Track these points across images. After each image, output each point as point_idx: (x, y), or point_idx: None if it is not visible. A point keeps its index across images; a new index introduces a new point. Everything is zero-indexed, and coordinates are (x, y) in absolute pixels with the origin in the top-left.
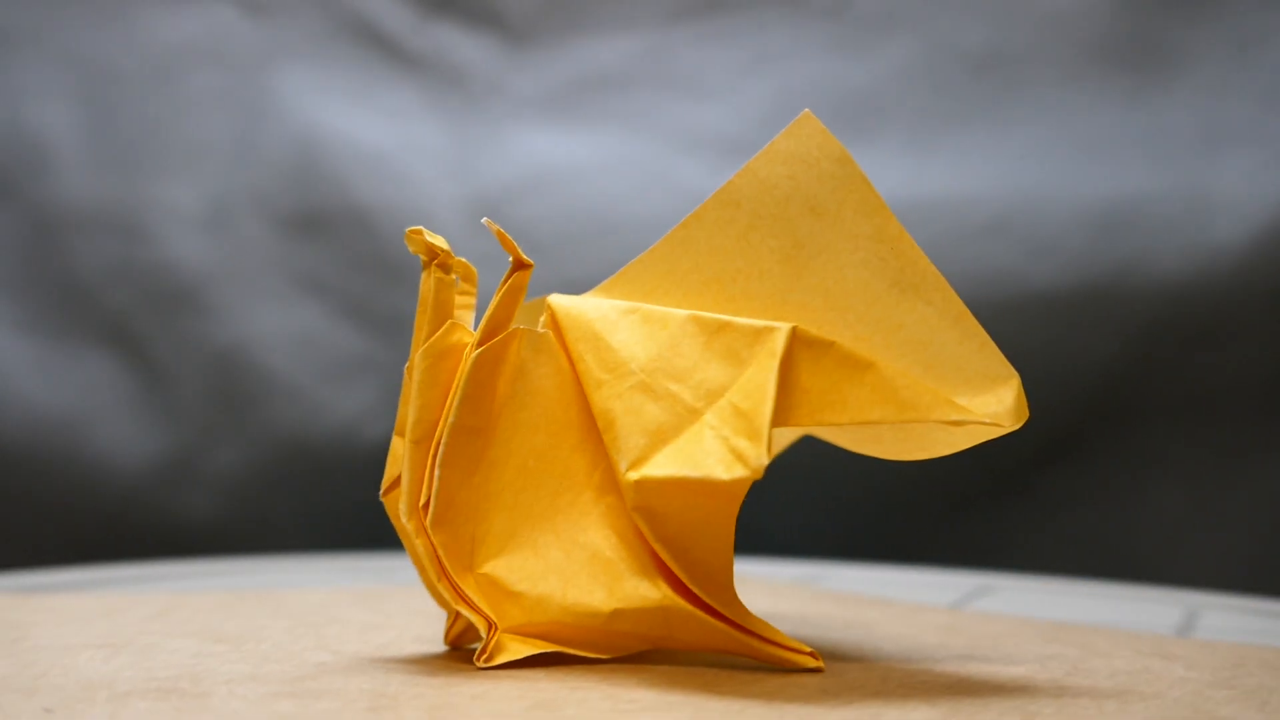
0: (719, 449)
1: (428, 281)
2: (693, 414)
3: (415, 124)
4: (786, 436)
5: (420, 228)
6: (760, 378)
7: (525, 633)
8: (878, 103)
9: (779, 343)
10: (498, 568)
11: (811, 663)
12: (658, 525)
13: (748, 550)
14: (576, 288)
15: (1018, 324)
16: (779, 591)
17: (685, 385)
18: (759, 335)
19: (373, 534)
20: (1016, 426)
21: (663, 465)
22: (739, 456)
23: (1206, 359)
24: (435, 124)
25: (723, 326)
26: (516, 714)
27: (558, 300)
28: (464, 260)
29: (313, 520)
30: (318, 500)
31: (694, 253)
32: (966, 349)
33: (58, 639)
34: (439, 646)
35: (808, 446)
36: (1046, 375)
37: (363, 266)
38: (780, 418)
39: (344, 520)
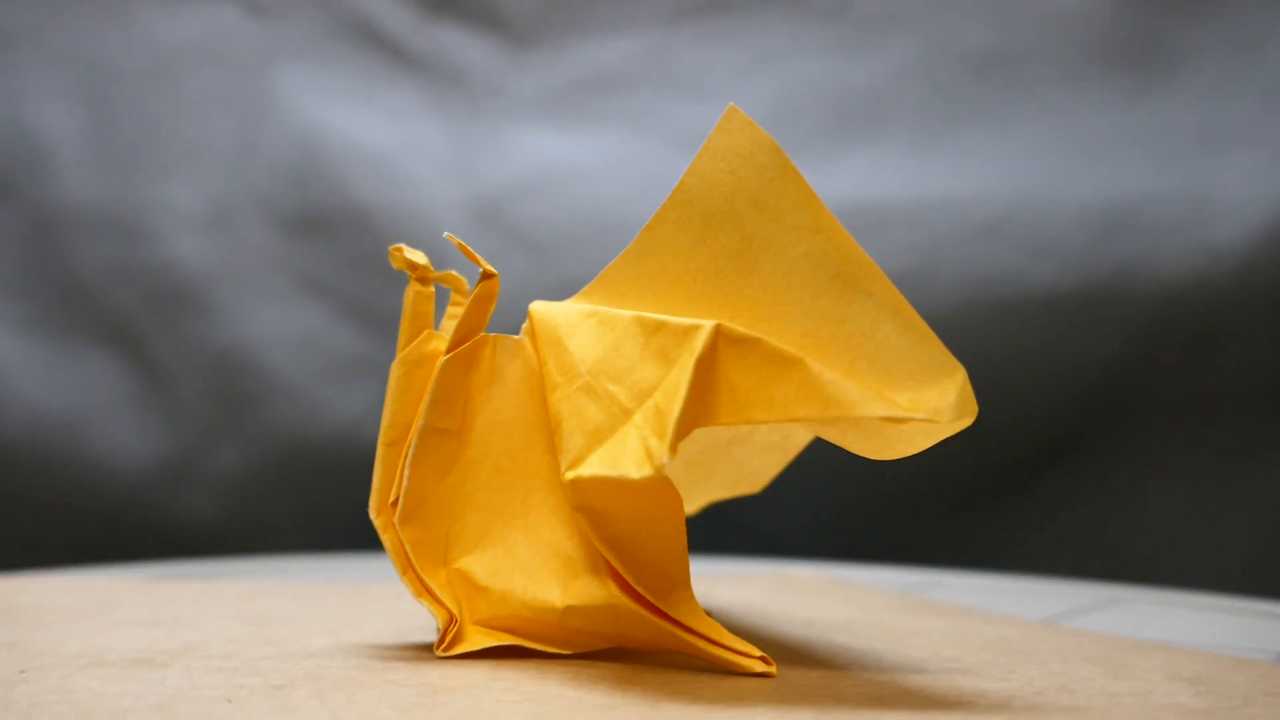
0: (637, 448)
1: (409, 294)
2: (625, 414)
3: (415, 124)
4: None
5: (400, 245)
6: (679, 376)
7: (491, 626)
8: (878, 103)
9: (700, 341)
10: (469, 563)
11: (760, 666)
12: (602, 525)
13: (816, 555)
14: (576, 288)
15: (1018, 324)
16: (852, 599)
17: (622, 386)
18: (686, 334)
19: (372, 534)
20: (962, 423)
21: (593, 465)
22: (649, 454)
23: (1206, 359)
24: (435, 124)
25: (659, 327)
26: (403, 698)
27: (537, 307)
28: (452, 272)
29: (313, 520)
30: (318, 500)
31: (658, 254)
32: (907, 341)
33: (127, 616)
34: (434, 637)
35: (811, 447)
36: (1046, 375)
37: (363, 267)
38: (706, 416)
39: (344, 520)
